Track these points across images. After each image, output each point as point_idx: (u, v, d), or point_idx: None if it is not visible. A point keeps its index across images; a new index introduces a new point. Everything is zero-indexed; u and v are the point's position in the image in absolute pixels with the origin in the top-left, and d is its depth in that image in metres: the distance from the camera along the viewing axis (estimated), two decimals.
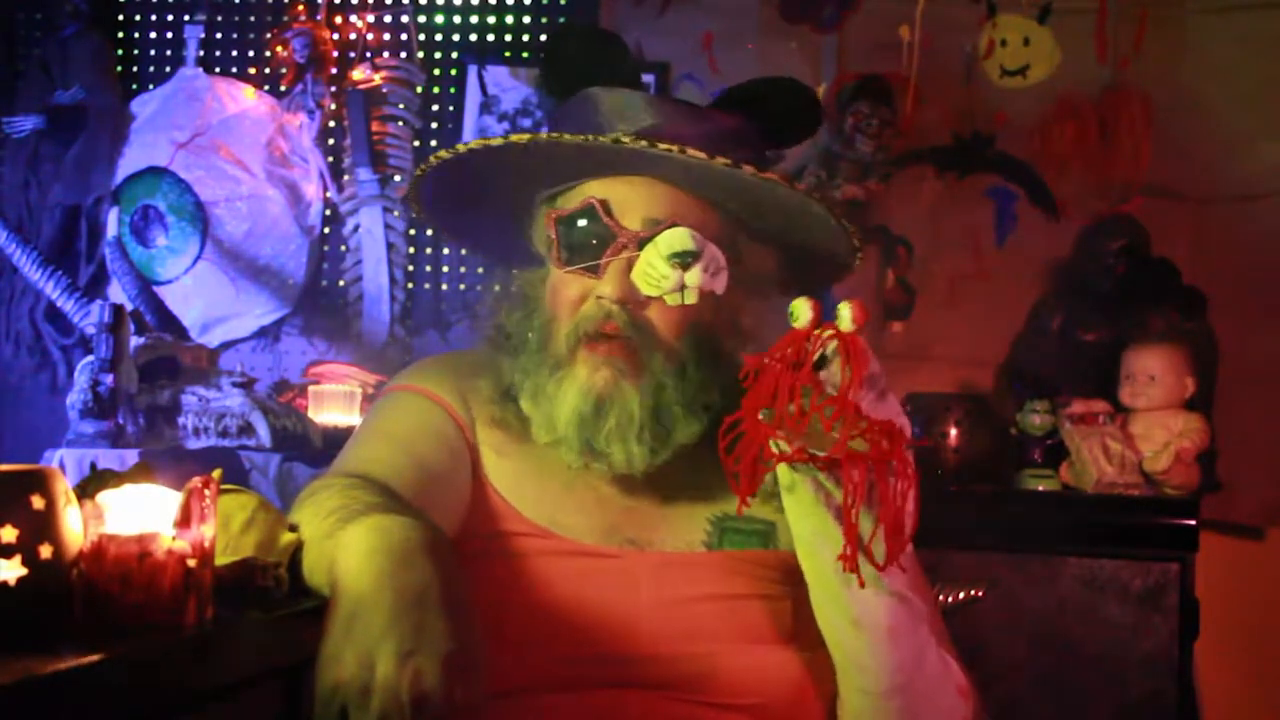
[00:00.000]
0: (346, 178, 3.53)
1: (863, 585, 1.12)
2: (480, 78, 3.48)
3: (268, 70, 3.59)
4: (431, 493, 1.24)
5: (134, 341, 2.94)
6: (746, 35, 3.26)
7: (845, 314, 1.09)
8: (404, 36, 3.55)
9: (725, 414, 1.11)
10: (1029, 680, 2.49)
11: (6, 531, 0.84)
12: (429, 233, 3.52)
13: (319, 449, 3.00)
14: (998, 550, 2.51)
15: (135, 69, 3.69)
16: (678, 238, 1.23)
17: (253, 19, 3.65)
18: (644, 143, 1.23)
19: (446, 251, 3.52)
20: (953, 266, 3.18)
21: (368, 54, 3.54)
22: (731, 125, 1.33)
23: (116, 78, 3.65)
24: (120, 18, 3.69)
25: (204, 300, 3.52)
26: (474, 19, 3.55)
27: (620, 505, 1.32)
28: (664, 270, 1.23)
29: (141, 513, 0.90)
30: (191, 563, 0.91)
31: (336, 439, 2.95)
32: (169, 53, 3.68)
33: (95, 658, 0.81)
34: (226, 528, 1.06)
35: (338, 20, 3.55)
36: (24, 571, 0.84)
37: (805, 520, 1.15)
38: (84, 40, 3.60)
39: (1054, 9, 3.07)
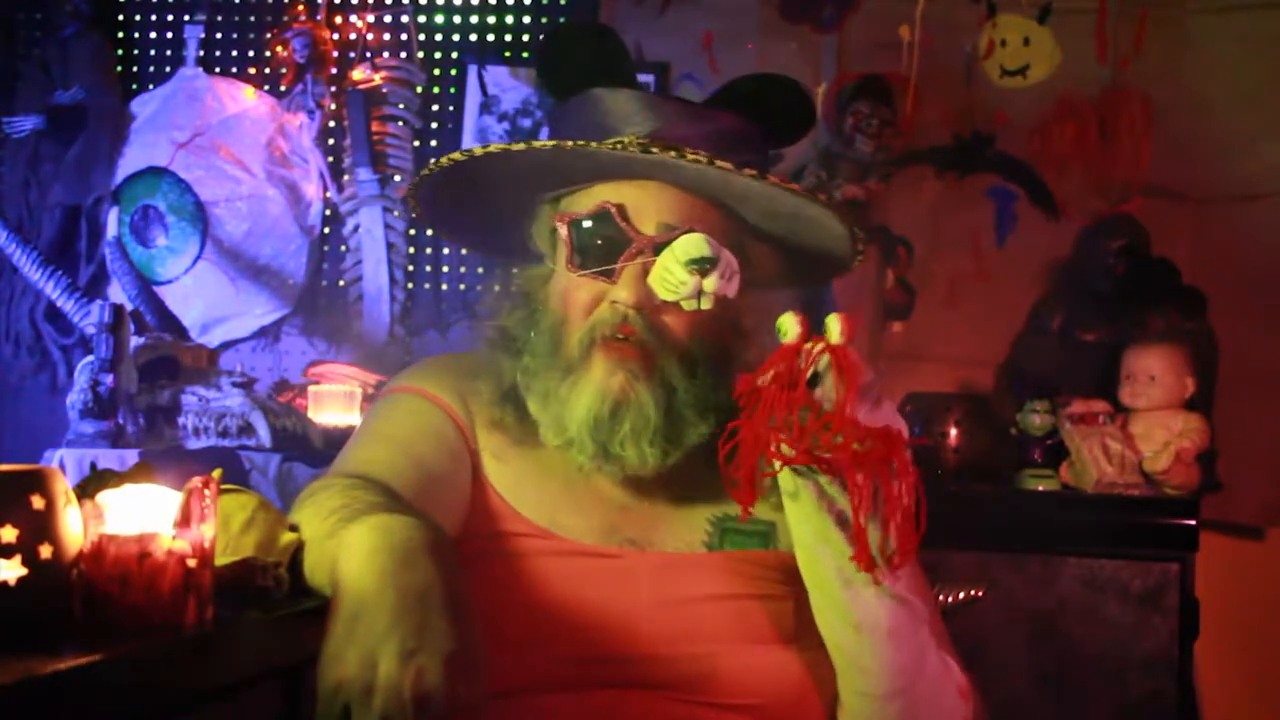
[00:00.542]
0: (346, 178, 3.53)
1: (878, 583, 1.12)
2: (480, 78, 3.48)
3: (268, 70, 3.59)
4: (431, 493, 1.24)
5: (134, 341, 2.94)
6: (746, 35, 3.26)
7: (834, 327, 1.09)
8: (404, 36, 3.56)
9: (729, 415, 1.11)
10: (1029, 680, 2.49)
11: (6, 531, 0.84)
12: (429, 233, 3.52)
13: (319, 449, 3.00)
14: (998, 550, 2.51)
15: (135, 69, 3.69)
16: (695, 244, 1.23)
17: (253, 19, 3.65)
18: (672, 153, 1.23)
19: (446, 251, 3.52)
20: (953, 266, 3.18)
21: (368, 54, 3.54)
22: (737, 127, 1.33)
23: (116, 78, 3.65)
24: (120, 18, 3.69)
25: (204, 300, 3.52)
26: (474, 19, 3.55)
27: (620, 505, 1.32)
28: (682, 276, 1.23)
29: (141, 513, 0.90)
30: (191, 563, 0.91)
31: (336, 439, 2.95)
32: (169, 53, 3.68)
33: (95, 658, 0.81)
34: (226, 528, 1.06)
35: (338, 20, 3.55)
36: (24, 571, 0.84)
37: (806, 525, 1.15)
38: (84, 40, 3.60)
39: (1054, 9, 3.07)
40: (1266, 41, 3.09)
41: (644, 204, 1.28)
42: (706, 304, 1.25)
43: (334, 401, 3.16)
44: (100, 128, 3.59)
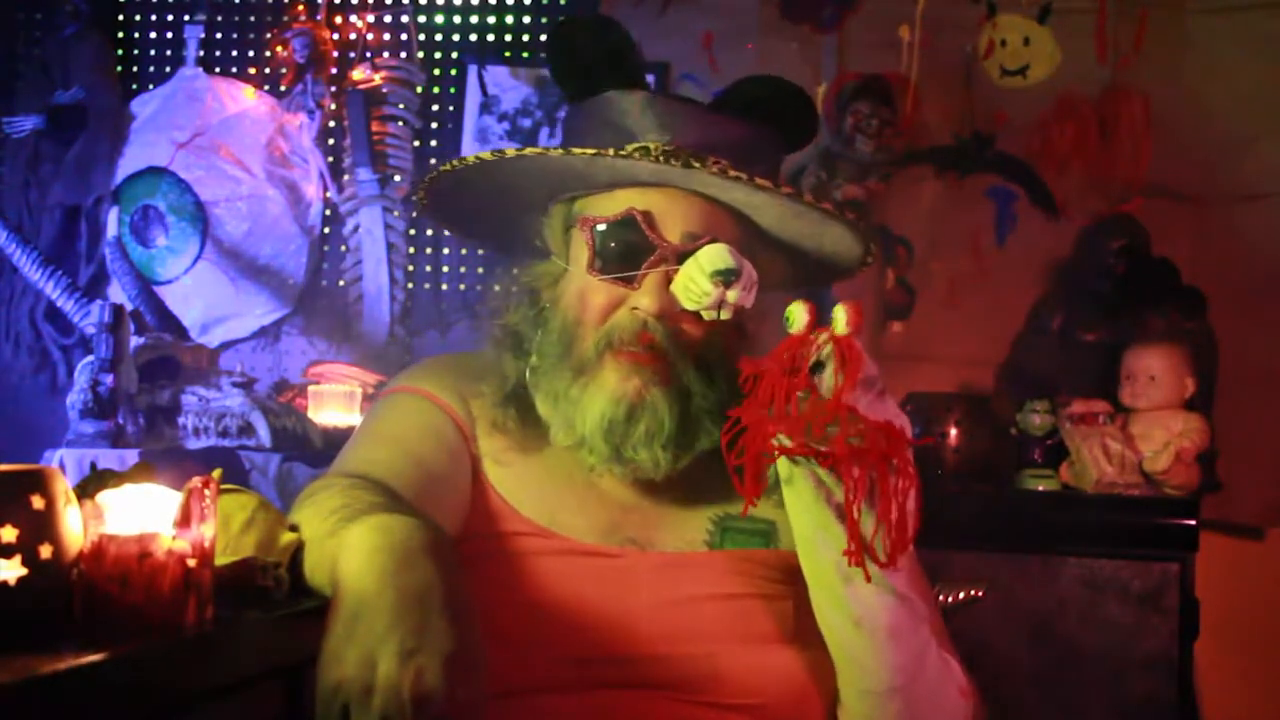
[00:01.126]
0: (346, 178, 3.53)
1: (869, 580, 1.12)
2: (480, 78, 3.48)
3: (268, 70, 3.59)
4: (431, 493, 1.24)
5: (134, 341, 2.94)
6: (746, 35, 3.26)
7: (840, 317, 1.09)
8: (404, 36, 3.55)
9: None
10: (1029, 680, 2.48)
11: (6, 531, 0.84)
12: (429, 233, 3.53)
13: (319, 449, 3.00)
14: (998, 550, 2.51)
15: (135, 69, 3.69)
16: (720, 255, 1.24)
17: (253, 19, 3.65)
18: (716, 168, 1.24)
19: (446, 251, 3.52)
20: (953, 266, 3.18)
21: (368, 54, 3.54)
22: (752, 134, 1.33)
23: (116, 78, 3.65)
24: (120, 18, 3.69)
25: (204, 300, 3.52)
26: (474, 19, 3.55)
27: (621, 505, 1.32)
28: (706, 287, 1.23)
29: (141, 513, 0.90)
30: (191, 563, 0.91)
31: (336, 439, 2.95)
32: (169, 53, 3.68)
33: (95, 658, 0.81)
34: (226, 528, 1.06)
35: (338, 20, 3.55)
36: (24, 571, 0.84)
37: (805, 517, 1.15)
38: (84, 40, 3.59)
39: (1054, 9, 3.07)
40: (1266, 41, 3.09)
41: (668, 211, 1.28)
42: (726, 315, 1.25)
43: (334, 401, 3.16)
44: (100, 128, 3.59)
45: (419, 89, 3.55)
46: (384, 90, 3.50)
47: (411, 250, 3.53)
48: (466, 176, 1.37)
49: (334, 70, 3.52)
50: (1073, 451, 2.66)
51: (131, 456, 2.70)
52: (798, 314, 1.12)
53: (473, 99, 3.49)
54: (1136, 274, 2.94)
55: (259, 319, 3.55)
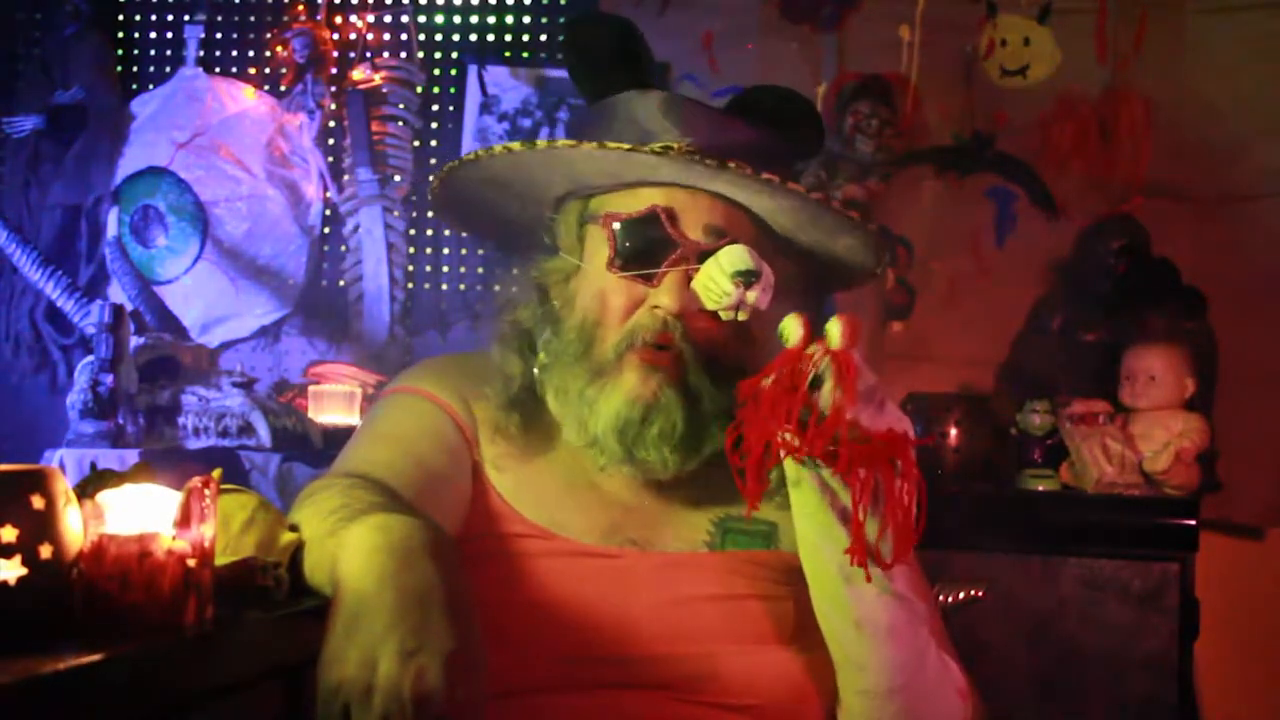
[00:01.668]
0: (346, 178, 3.53)
1: (869, 580, 1.12)
2: (480, 78, 3.48)
3: (268, 70, 3.59)
4: (432, 493, 1.24)
5: (134, 341, 2.94)
6: (746, 35, 3.26)
7: (835, 331, 1.09)
8: (404, 36, 3.55)
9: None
10: (1029, 680, 2.48)
11: (6, 531, 0.84)
12: (429, 233, 3.53)
13: (319, 449, 3.00)
14: (998, 550, 2.51)
15: (135, 69, 3.69)
16: (741, 256, 1.24)
17: (253, 19, 3.65)
18: (749, 170, 1.24)
19: (447, 251, 3.52)
20: (953, 266, 3.18)
21: (368, 54, 3.54)
22: (767, 139, 1.34)
23: (116, 78, 3.65)
24: (120, 18, 3.69)
25: (204, 300, 3.52)
26: (474, 19, 3.55)
27: (623, 506, 1.32)
28: (727, 287, 1.23)
29: (141, 513, 0.90)
30: (191, 563, 0.91)
31: (336, 439, 2.94)
32: (169, 53, 3.68)
33: (95, 658, 0.81)
34: (226, 528, 1.06)
35: (338, 20, 3.55)
36: (24, 571, 0.84)
37: (809, 519, 1.15)
38: (84, 40, 3.59)
39: (1054, 9, 3.07)
40: (1266, 41, 3.08)
41: (691, 210, 1.28)
42: (744, 316, 1.25)
43: (334, 401, 3.16)
44: (100, 128, 3.59)
45: (419, 89, 3.55)
46: (384, 90, 3.51)
47: (411, 250, 3.53)
48: (488, 169, 1.36)
49: (334, 70, 3.52)
50: (1073, 451, 2.66)
51: (131, 456, 2.70)
52: (792, 329, 1.12)
53: (473, 99, 3.49)
54: (1136, 274, 2.94)
55: (259, 319, 3.55)
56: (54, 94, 3.61)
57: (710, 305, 1.25)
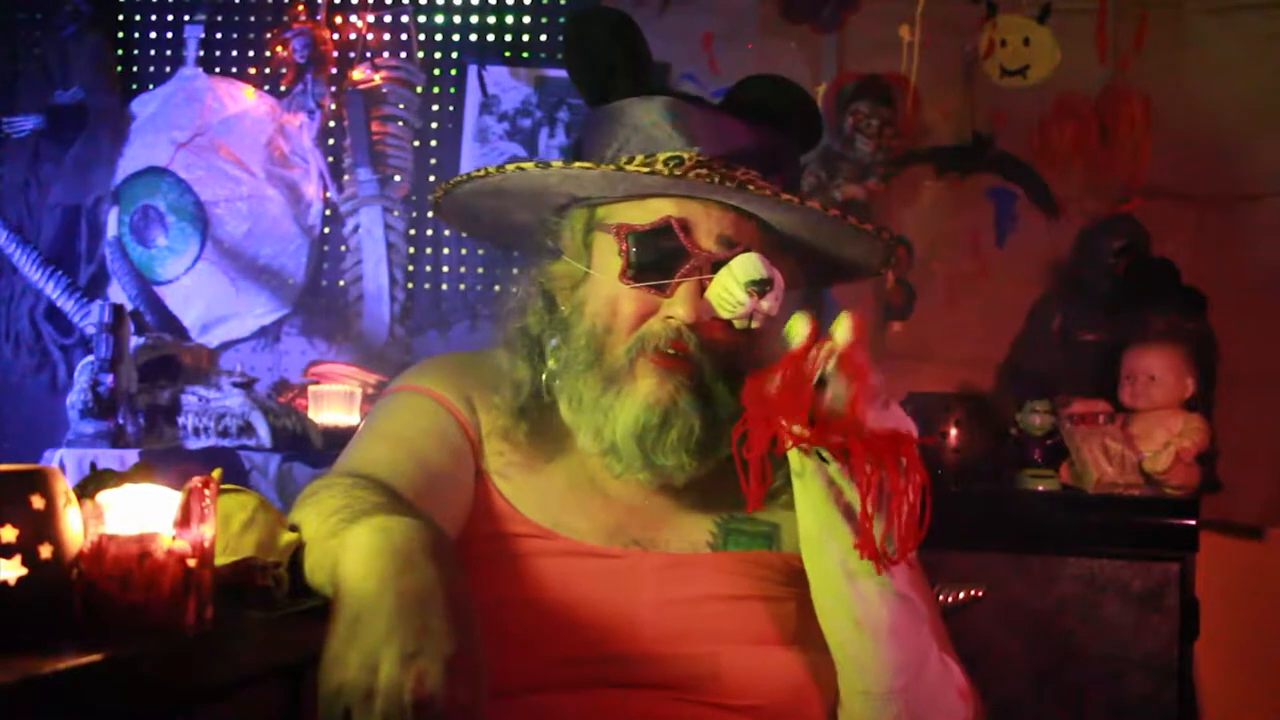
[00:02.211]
0: (346, 178, 3.53)
1: (879, 572, 1.12)
2: (480, 78, 3.48)
3: (268, 70, 3.59)
4: (434, 493, 1.24)
5: (134, 341, 2.94)
6: (746, 35, 3.26)
7: (841, 329, 1.09)
8: (404, 36, 3.56)
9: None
10: (1029, 680, 2.48)
11: (6, 531, 0.84)
12: (429, 233, 3.53)
13: (319, 449, 3.00)
14: (998, 550, 2.51)
15: (135, 69, 3.69)
16: (754, 265, 1.24)
17: (253, 19, 3.65)
18: (765, 185, 1.25)
19: (447, 251, 3.52)
20: (953, 266, 3.18)
21: (368, 54, 3.54)
22: (773, 141, 1.34)
23: (116, 78, 3.65)
24: (120, 18, 3.69)
25: (204, 300, 3.52)
26: (474, 19, 3.55)
27: (626, 507, 1.32)
28: (741, 297, 1.23)
29: (141, 513, 0.90)
30: (191, 563, 0.91)
31: (336, 439, 2.95)
32: (169, 53, 3.68)
33: (95, 658, 0.81)
34: (226, 528, 1.06)
35: (338, 20, 3.55)
36: (24, 571, 0.84)
37: (813, 515, 1.15)
38: (84, 40, 3.60)
39: (1054, 9, 3.07)
40: (1266, 41, 3.09)
41: (702, 220, 1.27)
42: (757, 323, 1.25)
43: (334, 401, 3.16)
44: (100, 128, 3.59)
45: (419, 89, 3.55)
46: (384, 90, 3.51)
47: (411, 250, 3.53)
48: (495, 181, 1.36)
49: (334, 70, 3.52)
50: (1073, 451, 2.66)
51: (131, 456, 2.70)
52: (799, 328, 1.12)
53: (473, 99, 3.49)
54: (1136, 274, 2.94)
55: (259, 319, 3.55)
56: (54, 94, 3.61)
57: (725, 314, 1.25)
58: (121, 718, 0.84)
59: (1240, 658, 2.87)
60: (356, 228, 3.52)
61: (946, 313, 3.16)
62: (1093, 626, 2.48)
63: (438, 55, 3.58)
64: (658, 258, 1.27)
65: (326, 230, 3.57)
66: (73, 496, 0.90)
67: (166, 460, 2.80)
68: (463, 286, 3.51)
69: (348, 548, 0.97)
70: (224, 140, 3.54)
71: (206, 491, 0.93)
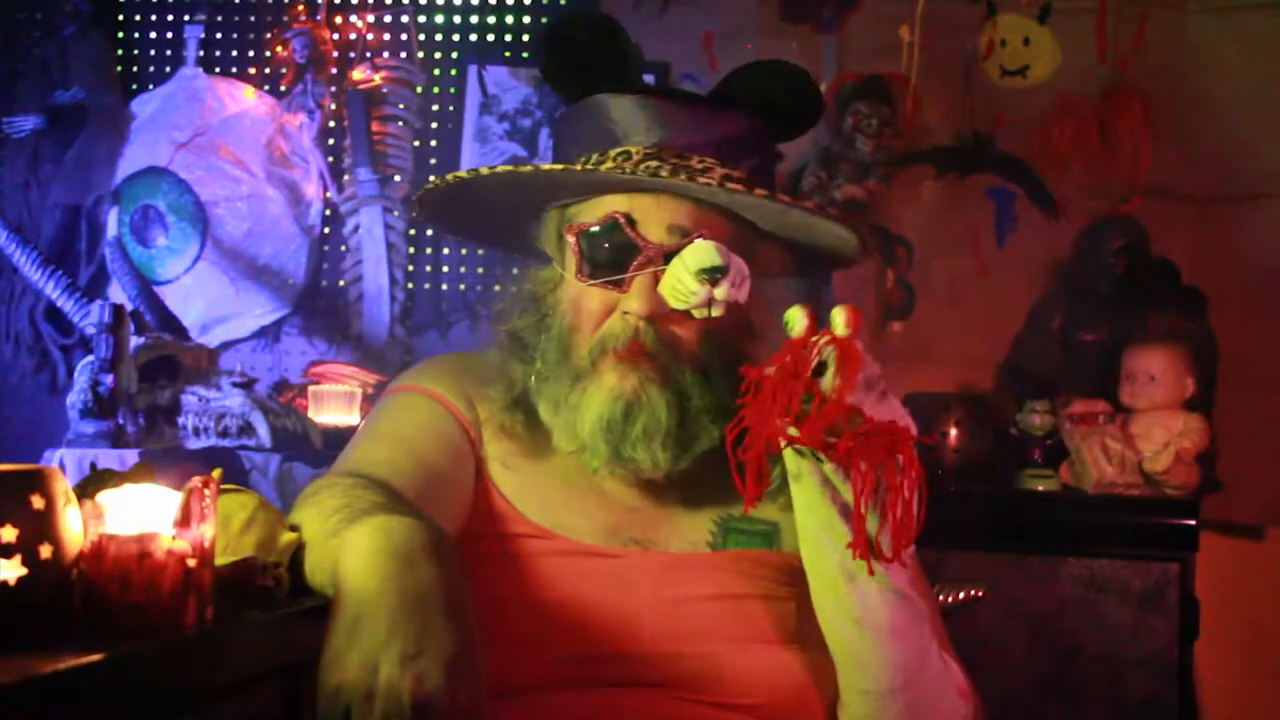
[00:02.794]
0: (346, 178, 3.53)
1: (872, 573, 1.12)
2: (480, 78, 3.48)
3: (268, 70, 3.59)
4: (434, 493, 1.24)
5: (134, 341, 2.94)
6: (746, 35, 3.26)
7: (839, 319, 1.09)
8: (404, 36, 3.56)
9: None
10: (1029, 680, 2.48)
11: (6, 531, 0.83)
12: (429, 233, 3.52)
13: (319, 449, 3.00)
14: (998, 550, 2.51)
15: (135, 69, 3.69)
16: (705, 253, 1.23)
17: (253, 19, 3.65)
18: (682, 175, 1.24)
19: (447, 251, 3.52)
20: (953, 266, 3.18)
21: (368, 54, 3.54)
22: (744, 128, 1.33)
23: (116, 78, 3.65)
24: (120, 18, 3.69)
25: (204, 300, 3.52)
26: (474, 19, 3.55)
27: (625, 506, 1.32)
28: (693, 286, 1.23)
29: (141, 513, 0.90)
30: (191, 563, 0.91)
31: (336, 439, 2.95)
32: (169, 53, 3.68)
33: (95, 658, 0.81)
34: (226, 528, 1.06)
35: (338, 20, 3.55)
36: (24, 571, 0.84)
37: (811, 515, 1.15)
38: (84, 40, 3.60)
39: (1054, 9, 3.07)
40: (1266, 41, 3.09)
41: (653, 213, 1.27)
42: (717, 312, 1.25)
43: (334, 401, 3.16)
44: (100, 128, 3.59)
45: (419, 89, 3.55)
46: (384, 90, 3.51)
47: (411, 250, 3.53)
48: (453, 190, 1.37)
49: (334, 70, 3.52)
50: (1073, 451, 2.66)
51: (131, 456, 2.70)
52: (796, 318, 1.12)
53: (473, 99, 3.49)
54: (1136, 274, 2.94)
55: (259, 319, 3.55)
56: (54, 94, 3.61)
57: (678, 305, 1.24)
58: (121, 718, 0.84)
59: (1240, 658, 2.86)
60: (356, 228, 3.52)
61: (946, 313, 3.16)
62: (1093, 626, 2.48)
63: (438, 55, 3.58)
64: (609, 253, 1.27)
65: (326, 230, 3.57)
66: (73, 496, 0.90)
67: (166, 460, 2.80)
68: (463, 286, 3.51)
69: (348, 547, 0.97)
70: (224, 140, 3.54)
71: (206, 491, 0.93)
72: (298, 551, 1.09)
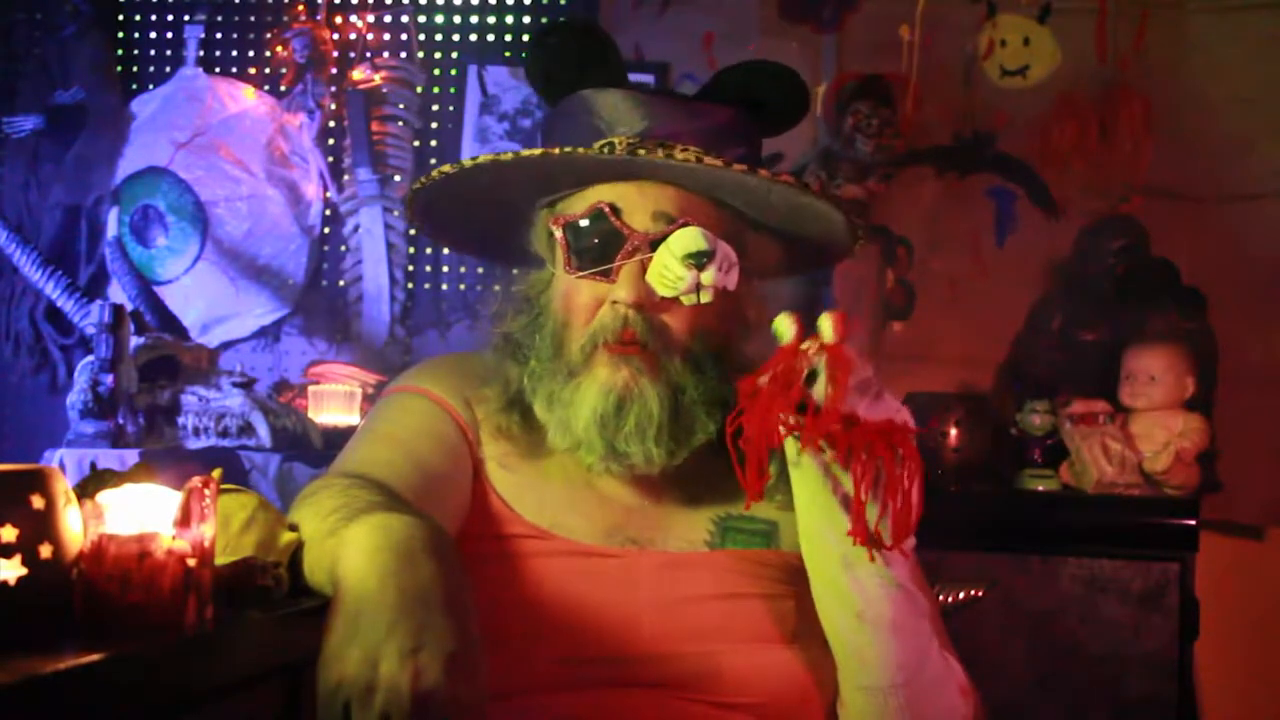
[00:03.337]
0: (346, 178, 3.53)
1: (873, 560, 1.13)
2: (480, 78, 3.48)
3: (268, 70, 3.59)
4: (432, 493, 1.24)
5: (134, 341, 2.94)
6: (746, 35, 3.25)
7: (827, 326, 1.09)
8: (404, 36, 3.55)
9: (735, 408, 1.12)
10: (1029, 680, 2.48)
11: (6, 531, 0.84)
12: None
13: (319, 449, 3.00)
14: (998, 550, 2.51)
15: (135, 69, 3.69)
16: (691, 238, 1.23)
17: (253, 19, 3.65)
18: (660, 152, 1.24)
19: (446, 251, 3.52)
20: (953, 266, 3.18)
21: (368, 54, 3.53)
22: (728, 120, 1.33)
23: (116, 78, 3.65)
24: (120, 18, 3.69)
25: (204, 300, 3.52)
26: (474, 19, 3.55)
27: (623, 506, 1.32)
28: (679, 271, 1.23)
29: (141, 513, 0.90)
30: (191, 563, 0.91)
31: (336, 439, 2.94)
32: (169, 53, 3.68)
33: (95, 658, 0.81)
34: (226, 528, 1.06)
35: (338, 20, 3.55)
36: (24, 571, 0.84)
37: (811, 502, 1.15)
38: (84, 40, 3.59)
39: (1054, 9, 3.07)
40: (1266, 41, 3.09)
41: (637, 202, 1.28)
42: (706, 298, 1.24)
43: (334, 401, 3.16)
44: (100, 128, 3.59)
45: (419, 89, 3.55)
46: (384, 90, 3.50)
47: (411, 250, 3.53)
48: (445, 192, 1.37)
49: (334, 70, 3.52)
50: (1073, 451, 2.66)
51: (131, 456, 2.70)
52: (785, 326, 1.12)
53: (473, 99, 3.49)
54: (1136, 274, 2.94)
55: (259, 319, 3.55)
56: (54, 94, 3.61)
57: (665, 291, 1.24)
58: (121, 718, 0.84)
59: (1240, 658, 2.87)
60: (356, 228, 3.52)
61: (946, 313, 3.15)
62: (1093, 626, 2.48)
63: (438, 55, 3.58)
64: (596, 244, 1.28)
65: (326, 230, 3.57)
66: (73, 496, 0.90)
67: (166, 460, 2.80)
68: (463, 286, 3.51)
69: (347, 545, 0.98)
70: (224, 140, 3.53)
71: (206, 491, 0.93)
72: (297, 551, 1.09)
